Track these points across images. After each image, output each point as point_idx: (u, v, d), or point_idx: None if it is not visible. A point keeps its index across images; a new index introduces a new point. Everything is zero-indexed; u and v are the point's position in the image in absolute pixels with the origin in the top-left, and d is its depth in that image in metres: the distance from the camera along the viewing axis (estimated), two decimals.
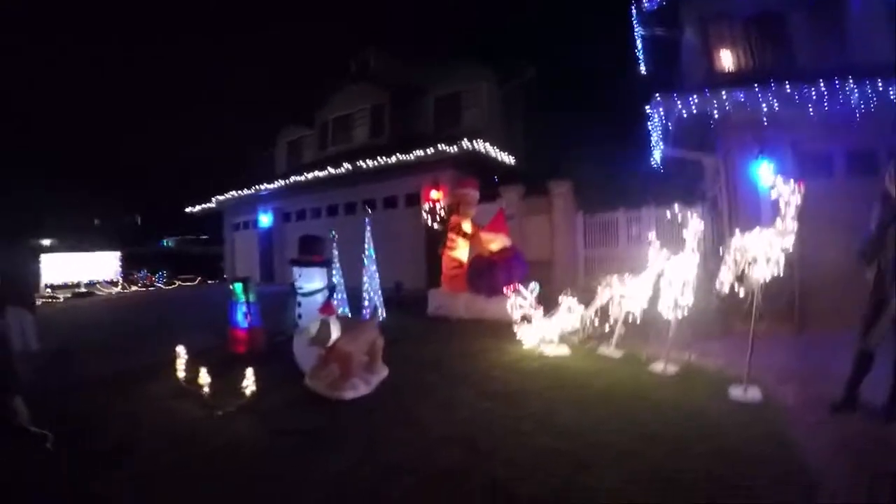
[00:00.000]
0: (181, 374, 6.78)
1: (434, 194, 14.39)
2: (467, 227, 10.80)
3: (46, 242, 29.65)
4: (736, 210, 9.41)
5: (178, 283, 22.20)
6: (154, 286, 21.34)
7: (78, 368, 7.53)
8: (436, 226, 13.73)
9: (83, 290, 19.28)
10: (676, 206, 6.86)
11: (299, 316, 6.79)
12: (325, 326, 5.81)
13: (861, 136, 8.65)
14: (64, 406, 6.13)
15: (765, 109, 8.77)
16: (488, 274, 10.12)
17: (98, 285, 20.33)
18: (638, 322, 7.42)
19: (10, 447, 4.72)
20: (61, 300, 16.63)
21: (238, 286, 8.36)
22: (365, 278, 9.68)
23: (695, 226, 6.43)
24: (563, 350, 7.79)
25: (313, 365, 6.35)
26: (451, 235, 10.84)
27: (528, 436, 4.91)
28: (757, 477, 3.89)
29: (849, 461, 4.09)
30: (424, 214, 14.25)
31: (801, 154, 9.01)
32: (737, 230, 5.91)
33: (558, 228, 13.69)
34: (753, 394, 5.42)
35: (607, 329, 7.91)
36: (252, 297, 8.41)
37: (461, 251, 10.90)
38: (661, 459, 4.21)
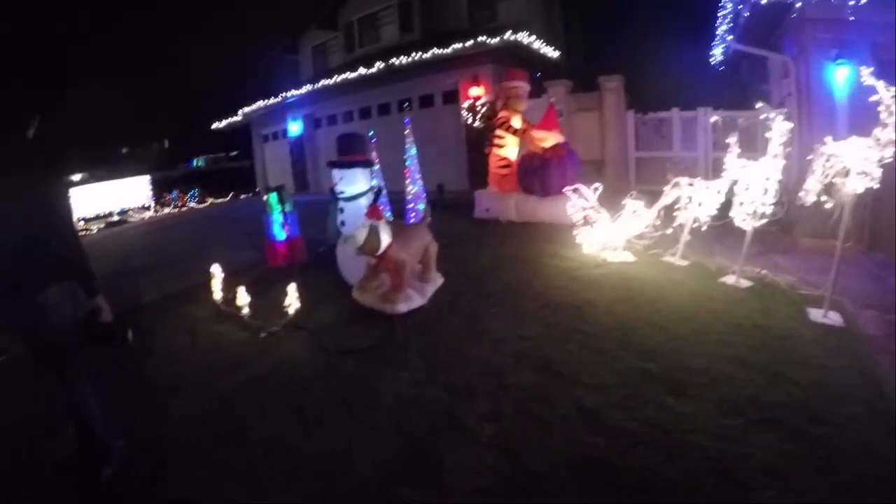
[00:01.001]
0: (218, 295, 6.28)
1: (474, 91, 13.29)
2: (517, 122, 9.82)
3: (76, 177, 29.22)
4: (808, 115, 8.32)
5: (210, 200, 21.74)
6: (186, 206, 20.95)
7: (113, 301, 6.95)
8: (477, 124, 12.89)
9: (115, 218, 18.96)
10: (759, 106, 5.95)
11: (342, 223, 6.08)
12: (373, 233, 5.12)
13: None
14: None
15: (851, 4, 7.46)
16: (541, 173, 9.29)
17: (130, 212, 20.01)
18: (703, 230, 6.74)
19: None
20: (94, 231, 16.30)
21: (272, 196, 7.69)
22: (407, 180, 8.89)
23: (781, 127, 5.64)
24: (627, 257, 7.13)
25: (361, 276, 5.71)
26: (499, 132, 9.89)
27: (608, 355, 4.36)
28: (857, 417, 3.45)
29: None
30: (464, 113, 13.34)
31: (882, 62, 7.72)
32: (829, 138, 5.15)
33: (609, 127, 12.54)
34: (834, 318, 4.98)
35: (669, 234, 7.19)
36: (288, 207, 7.75)
37: (510, 149, 10.00)
38: (756, 389, 3.75)
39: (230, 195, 22.48)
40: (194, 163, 45.24)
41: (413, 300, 5.52)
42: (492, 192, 10.35)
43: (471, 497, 2.96)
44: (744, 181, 6.01)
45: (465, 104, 13.40)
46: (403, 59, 14.23)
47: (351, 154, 6.17)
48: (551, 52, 14.40)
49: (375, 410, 3.82)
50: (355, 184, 6.02)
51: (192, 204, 21.22)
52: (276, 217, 7.64)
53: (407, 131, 9.21)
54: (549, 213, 9.16)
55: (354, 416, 3.78)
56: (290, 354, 4.87)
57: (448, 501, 2.94)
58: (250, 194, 22.73)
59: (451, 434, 3.49)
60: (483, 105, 13.17)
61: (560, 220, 8.70)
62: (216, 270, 6.41)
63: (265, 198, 7.73)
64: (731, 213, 6.16)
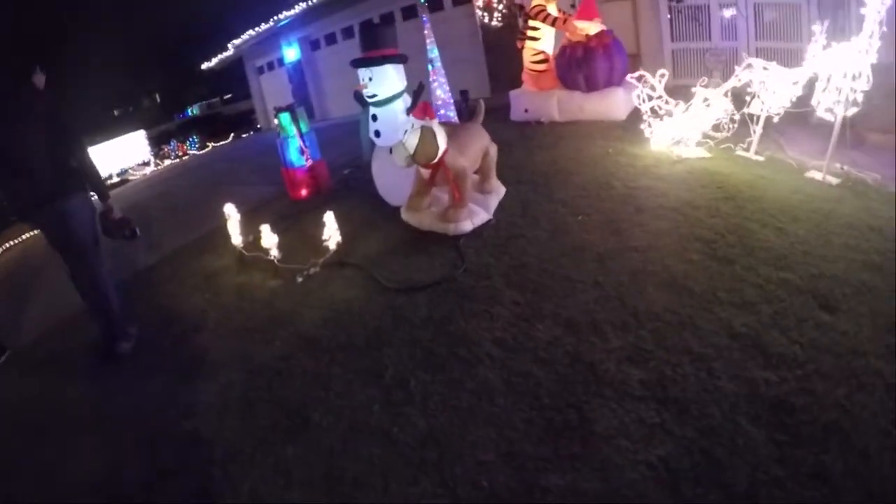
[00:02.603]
0: (237, 239, 5.29)
1: None
2: (553, 9, 8.45)
3: None
4: None
5: (211, 145, 20.74)
6: (187, 154, 19.97)
7: (126, 261, 6.06)
8: (495, 23, 11.81)
9: (115, 180, 17.95)
10: None
11: (377, 134, 4.97)
12: (428, 136, 4.04)
13: None
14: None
15: None
16: (586, 65, 8.04)
17: (130, 171, 19.00)
18: (775, 121, 5.88)
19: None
20: (96, 198, 15.32)
21: (284, 116, 6.54)
22: (434, 84, 7.69)
23: (877, 2, 4.71)
24: (701, 152, 6.16)
25: (410, 193, 4.65)
26: (533, 23, 8.55)
27: (738, 265, 3.57)
28: None
29: None
30: (479, 12, 12.15)
31: None
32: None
33: (644, 16, 11.27)
34: None
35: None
36: (304, 127, 6.62)
37: (546, 42, 8.69)
38: None
39: (230, 137, 21.41)
40: (189, 111, 43.84)
41: (478, 215, 4.52)
42: (528, 91, 9.14)
43: (645, 474, 2.12)
44: (831, 66, 5.23)
45: (480, 2, 12.02)
46: None
47: (379, 48, 4.95)
48: None
49: (476, 367, 2.87)
50: (388, 84, 4.85)
51: (193, 151, 20.28)
52: (293, 141, 6.52)
53: (427, 31, 7.98)
54: (599, 109, 8.05)
55: (450, 377, 2.84)
56: (340, 300, 3.87)
57: (620, 482, 2.10)
58: (251, 133, 21.84)
59: (590, 387, 2.59)
60: (500, 1, 11.78)
61: (612, 116, 7.82)
62: (230, 211, 5.41)
63: (275, 121, 6.57)
64: (813, 102, 5.37)
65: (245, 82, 22.89)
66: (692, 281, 3.38)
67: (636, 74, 6.54)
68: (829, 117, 5.34)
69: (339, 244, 4.54)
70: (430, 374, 2.86)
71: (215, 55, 21.63)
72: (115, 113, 44.24)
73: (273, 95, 20.56)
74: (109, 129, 27.39)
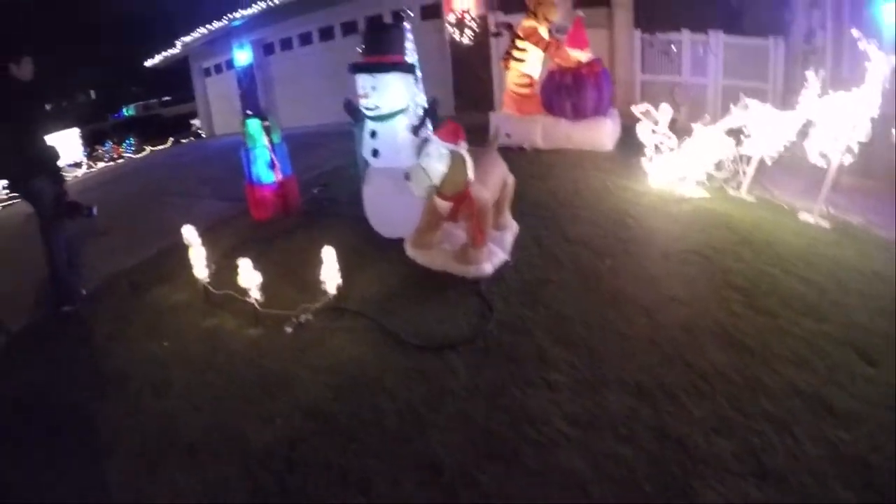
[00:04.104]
0: (201, 271, 4.27)
1: (460, 2, 11.45)
2: (544, 32, 8.07)
3: None
4: (840, 49, 7.12)
5: (148, 149, 19.40)
6: (122, 157, 18.58)
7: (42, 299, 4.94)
8: (465, 40, 11.62)
9: None
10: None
11: (374, 153, 4.33)
12: (460, 164, 3.43)
13: None
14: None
15: None
16: (575, 92, 7.71)
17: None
18: (768, 163, 5.85)
19: None
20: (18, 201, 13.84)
21: (253, 124, 5.75)
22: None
23: (879, 59, 4.94)
24: (701, 192, 5.96)
25: (418, 226, 4.00)
26: (521, 45, 8.13)
27: (781, 318, 3.39)
28: None
29: None
30: (449, 27, 11.78)
31: None
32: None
33: (620, 47, 11.31)
34: None
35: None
36: (277, 138, 5.87)
37: (531, 64, 8.28)
38: None
39: (169, 142, 20.18)
40: (125, 111, 41.70)
41: (497, 256, 3.97)
42: (509, 115, 8.68)
43: None
44: (827, 113, 5.32)
45: (451, 17, 11.66)
46: None
47: (385, 53, 4.33)
48: None
49: (554, 451, 2.34)
50: (393, 96, 4.23)
51: (129, 154, 18.87)
52: (262, 152, 5.76)
53: (409, 40, 7.43)
54: (586, 139, 7.74)
55: (528, 468, 2.30)
56: (349, 360, 3.14)
57: None
58: (191, 139, 20.86)
59: (685, 466, 2.31)
60: (472, 19, 11.59)
61: (599, 146, 7.55)
62: (191, 235, 4.36)
63: (244, 127, 5.79)
64: (807, 146, 5.42)
65: (188, 84, 21.90)
66: (745, 336, 3.17)
67: (642, 108, 6.21)
68: (821, 163, 5.35)
69: (339, 288, 3.79)
70: (502, 466, 2.27)
71: (159, 52, 20.71)
72: (48, 107, 41.78)
73: (219, 100, 19.72)
74: (42, 126, 25.55)
